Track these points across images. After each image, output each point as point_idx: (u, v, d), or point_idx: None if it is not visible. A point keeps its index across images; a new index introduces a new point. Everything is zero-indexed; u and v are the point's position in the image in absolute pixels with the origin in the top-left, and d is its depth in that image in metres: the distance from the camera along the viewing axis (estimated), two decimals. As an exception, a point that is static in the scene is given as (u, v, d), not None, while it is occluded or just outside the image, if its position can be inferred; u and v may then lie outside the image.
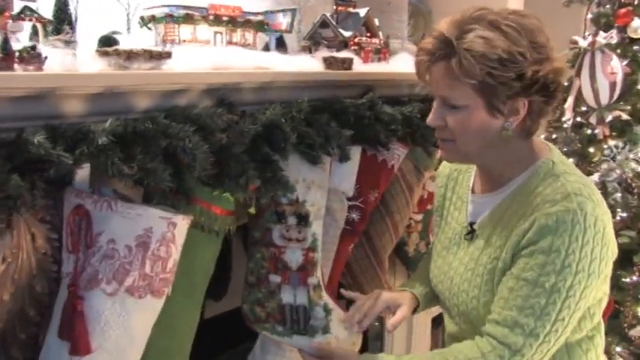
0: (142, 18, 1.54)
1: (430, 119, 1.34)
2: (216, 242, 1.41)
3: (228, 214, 1.39)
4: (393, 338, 2.77)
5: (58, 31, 1.26)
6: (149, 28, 1.56)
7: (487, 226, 1.38)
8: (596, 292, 1.30)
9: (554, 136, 2.89)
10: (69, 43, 1.13)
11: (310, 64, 1.64)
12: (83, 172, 1.16)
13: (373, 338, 2.76)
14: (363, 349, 2.74)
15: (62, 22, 1.27)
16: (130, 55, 1.22)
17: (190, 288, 1.39)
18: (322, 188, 1.58)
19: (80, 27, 1.37)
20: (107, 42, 1.23)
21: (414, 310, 1.59)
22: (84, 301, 1.16)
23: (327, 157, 1.56)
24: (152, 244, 1.18)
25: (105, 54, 1.19)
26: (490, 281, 1.34)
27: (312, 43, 1.85)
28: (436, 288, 1.53)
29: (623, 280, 2.55)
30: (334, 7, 1.90)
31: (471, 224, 1.44)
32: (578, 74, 2.70)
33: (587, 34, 2.76)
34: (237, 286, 1.73)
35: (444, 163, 1.61)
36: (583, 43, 2.67)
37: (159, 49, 1.29)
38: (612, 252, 1.28)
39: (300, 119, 1.44)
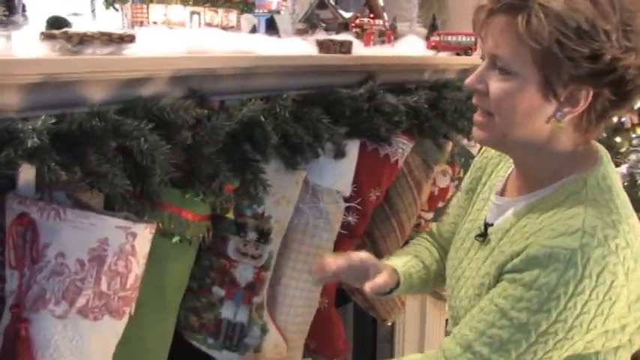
0: (106, -2, 1.38)
1: (470, 80, 1.12)
2: (188, 251, 1.27)
3: (202, 220, 1.24)
4: (404, 340, 2.64)
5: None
6: (115, 9, 1.39)
7: (496, 235, 1.20)
8: (609, 341, 1.11)
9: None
10: (2, 24, 0.96)
11: (302, 47, 1.45)
12: (28, 174, 1.00)
13: (383, 340, 2.63)
14: (372, 350, 2.63)
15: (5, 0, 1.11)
16: (84, 39, 1.05)
17: (161, 303, 1.27)
18: (291, 203, 1.43)
19: (37, 9, 1.22)
20: (56, 23, 1.06)
21: (391, 291, 1.40)
22: (29, 324, 1.03)
23: (302, 172, 1.40)
24: (108, 258, 1.04)
25: (51, 37, 1.02)
26: (478, 297, 1.18)
27: (309, 25, 1.70)
28: (447, 280, 1.37)
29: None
30: (333, -15, 1.74)
31: (487, 226, 1.25)
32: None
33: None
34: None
35: None
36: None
37: (121, 31, 1.12)
38: (620, 307, 1.07)
39: (285, 116, 1.25)
